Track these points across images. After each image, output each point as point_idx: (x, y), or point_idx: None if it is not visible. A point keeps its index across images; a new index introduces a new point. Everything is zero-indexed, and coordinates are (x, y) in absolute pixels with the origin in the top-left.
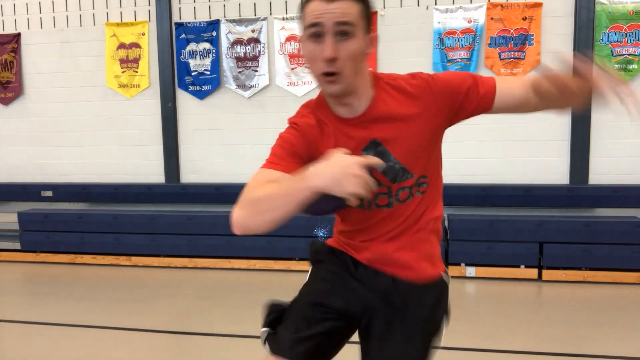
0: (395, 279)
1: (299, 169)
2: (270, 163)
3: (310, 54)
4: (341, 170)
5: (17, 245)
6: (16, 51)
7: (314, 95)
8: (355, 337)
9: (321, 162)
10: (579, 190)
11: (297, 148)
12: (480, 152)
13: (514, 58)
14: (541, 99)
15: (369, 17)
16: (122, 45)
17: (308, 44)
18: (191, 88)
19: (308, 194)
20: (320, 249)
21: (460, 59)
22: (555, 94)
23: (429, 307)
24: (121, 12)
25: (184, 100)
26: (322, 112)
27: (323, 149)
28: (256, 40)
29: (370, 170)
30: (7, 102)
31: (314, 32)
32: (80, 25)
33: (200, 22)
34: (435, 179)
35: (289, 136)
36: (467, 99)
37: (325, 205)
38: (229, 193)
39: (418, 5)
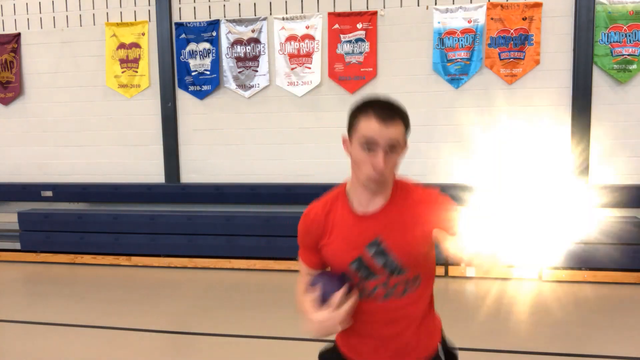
0: None
1: (317, 258)
2: (300, 255)
3: (361, 160)
4: (322, 324)
5: (17, 245)
6: (16, 51)
7: (314, 95)
8: None
9: (310, 317)
10: (578, 190)
11: (307, 241)
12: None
13: (514, 58)
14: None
15: (408, 131)
16: (122, 45)
17: (359, 151)
18: (191, 88)
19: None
20: None
21: (460, 59)
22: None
23: None
24: (121, 12)
25: (184, 100)
26: (338, 204)
27: (327, 236)
28: (256, 40)
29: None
30: (7, 102)
31: (368, 145)
32: (80, 25)
33: (200, 22)
34: (428, 278)
35: (300, 230)
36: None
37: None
38: (228, 193)
39: (418, 5)
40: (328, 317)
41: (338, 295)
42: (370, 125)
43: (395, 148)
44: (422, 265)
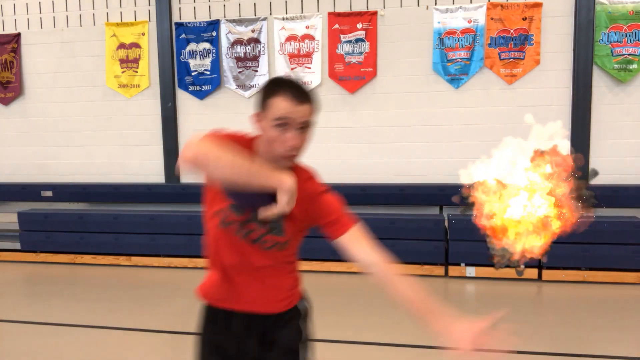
0: (261, 315)
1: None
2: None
3: (274, 138)
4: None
5: (17, 245)
6: (16, 51)
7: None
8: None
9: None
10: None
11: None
12: (481, 152)
13: (514, 58)
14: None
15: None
16: (122, 45)
17: (273, 129)
18: (191, 88)
19: (273, 184)
20: (202, 335)
21: (460, 59)
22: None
23: (289, 336)
24: (121, 12)
25: (184, 100)
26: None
27: None
28: (256, 40)
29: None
30: (7, 102)
31: (281, 123)
32: (80, 25)
33: (200, 22)
34: (294, 247)
35: (225, 135)
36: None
37: (261, 200)
38: None
39: (418, 5)
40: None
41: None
42: (283, 104)
43: (307, 127)
44: (294, 238)
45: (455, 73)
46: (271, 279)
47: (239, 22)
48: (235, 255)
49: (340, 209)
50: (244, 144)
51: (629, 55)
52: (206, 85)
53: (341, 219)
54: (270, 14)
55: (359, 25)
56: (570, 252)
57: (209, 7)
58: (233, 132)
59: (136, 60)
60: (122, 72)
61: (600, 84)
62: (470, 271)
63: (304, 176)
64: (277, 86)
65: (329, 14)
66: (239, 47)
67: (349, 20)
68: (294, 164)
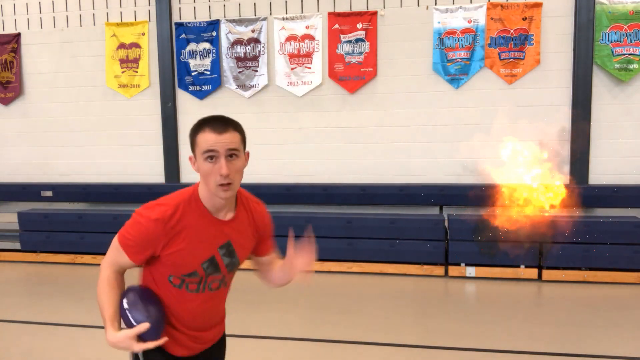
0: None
1: (146, 256)
2: (127, 249)
3: (206, 171)
4: (117, 345)
5: (17, 245)
6: (16, 51)
7: (314, 95)
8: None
9: (109, 334)
10: (579, 190)
11: (147, 244)
12: (480, 152)
13: (514, 58)
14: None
15: (245, 140)
16: (122, 45)
17: (204, 163)
18: (191, 88)
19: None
20: None
21: (460, 59)
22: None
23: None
24: (121, 12)
25: (184, 100)
26: (191, 209)
27: (176, 240)
28: (256, 40)
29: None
30: (7, 102)
31: (209, 156)
32: (80, 25)
33: (200, 22)
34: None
35: (143, 232)
36: (262, 242)
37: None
38: None
39: (418, 5)
40: (129, 349)
41: (153, 345)
42: (207, 137)
43: (236, 154)
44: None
45: (455, 73)
46: (221, 302)
47: (239, 22)
48: (196, 309)
49: (271, 234)
50: (184, 203)
51: (629, 54)
52: (206, 85)
53: (270, 242)
54: (270, 14)
55: (359, 25)
56: (570, 252)
57: (209, 7)
58: (164, 211)
59: (136, 60)
60: (122, 72)
61: (600, 84)
62: (470, 271)
63: (252, 203)
64: (200, 124)
65: (329, 14)
66: (239, 47)
67: (349, 20)
68: (241, 194)
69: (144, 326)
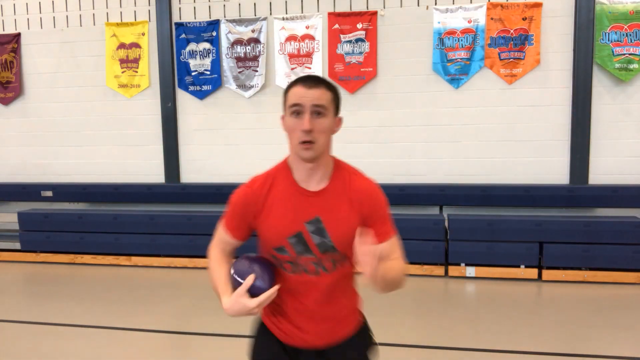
0: (327, 349)
1: (244, 230)
2: (226, 223)
3: (290, 127)
4: (233, 309)
5: (17, 245)
6: (16, 51)
7: None
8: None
9: (223, 301)
10: (579, 190)
11: (241, 214)
12: (480, 152)
13: (514, 58)
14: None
15: (338, 104)
16: (122, 45)
17: (290, 119)
18: (191, 88)
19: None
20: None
21: (460, 59)
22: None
23: (359, 354)
24: (121, 12)
25: (184, 100)
26: (280, 178)
27: (267, 210)
28: (256, 40)
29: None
30: (7, 102)
31: (295, 110)
32: (80, 25)
33: (200, 22)
34: (352, 256)
35: (236, 202)
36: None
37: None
38: (228, 193)
39: (418, 5)
40: (246, 309)
41: (266, 295)
42: (295, 91)
43: (322, 113)
44: (351, 247)
45: (455, 73)
46: (332, 294)
47: (239, 22)
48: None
49: (383, 218)
50: (275, 172)
51: (629, 54)
52: (206, 85)
53: (378, 229)
54: (270, 14)
55: (359, 25)
56: (570, 252)
57: (209, 7)
58: (255, 180)
59: (136, 60)
60: (122, 72)
61: (600, 84)
62: (470, 271)
63: (353, 176)
64: (295, 80)
65: (329, 14)
66: (239, 47)
67: (349, 20)
68: (340, 164)
69: (250, 279)
